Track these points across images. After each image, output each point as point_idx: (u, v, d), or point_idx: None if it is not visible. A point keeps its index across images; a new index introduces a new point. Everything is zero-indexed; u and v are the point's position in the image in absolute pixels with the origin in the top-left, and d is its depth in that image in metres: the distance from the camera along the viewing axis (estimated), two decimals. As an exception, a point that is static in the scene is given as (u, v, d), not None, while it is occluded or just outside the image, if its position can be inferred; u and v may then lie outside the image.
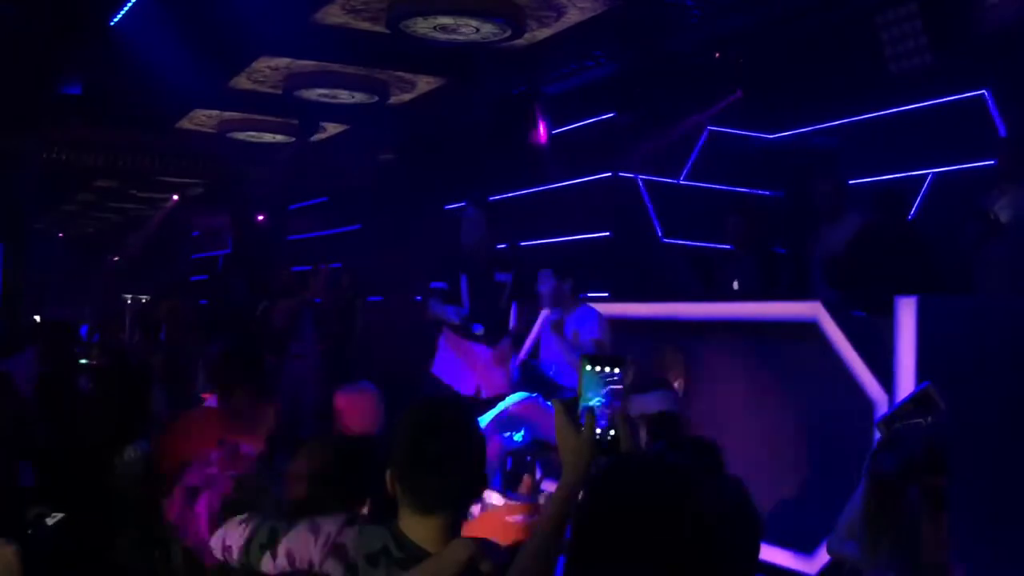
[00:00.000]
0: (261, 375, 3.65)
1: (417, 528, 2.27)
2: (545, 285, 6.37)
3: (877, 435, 2.73)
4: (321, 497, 2.79)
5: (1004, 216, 5.85)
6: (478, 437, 2.35)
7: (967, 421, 4.43)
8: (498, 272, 6.69)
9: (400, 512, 2.31)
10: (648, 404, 4.06)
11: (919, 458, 2.67)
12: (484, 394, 6.52)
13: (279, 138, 13.05)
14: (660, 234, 10.12)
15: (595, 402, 2.01)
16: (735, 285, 6.66)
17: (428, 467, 2.26)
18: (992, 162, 6.41)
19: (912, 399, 2.79)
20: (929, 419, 2.76)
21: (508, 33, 8.52)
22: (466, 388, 6.52)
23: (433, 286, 6.77)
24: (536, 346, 6.92)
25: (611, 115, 10.51)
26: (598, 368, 2.04)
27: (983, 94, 8.05)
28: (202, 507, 2.99)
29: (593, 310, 6.31)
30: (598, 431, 2.01)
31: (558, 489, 2.02)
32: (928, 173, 8.46)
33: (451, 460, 2.26)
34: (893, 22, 7.09)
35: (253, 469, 3.09)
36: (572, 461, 2.01)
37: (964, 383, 4.37)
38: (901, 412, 2.76)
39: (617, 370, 2.03)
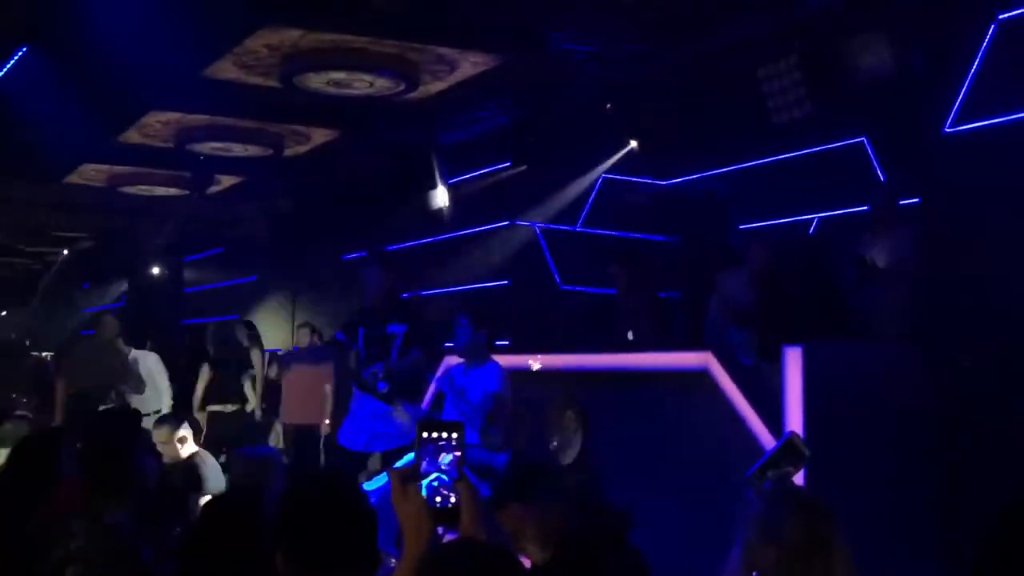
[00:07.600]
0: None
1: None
2: (461, 334, 6.10)
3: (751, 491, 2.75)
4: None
5: (880, 261, 6.02)
6: (364, 511, 2.32)
7: (855, 463, 4.56)
8: (391, 324, 6.62)
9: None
10: None
11: (822, 520, 2.65)
12: (378, 448, 6.52)
13: (171, 191, 12.82)
14: (559, 281, 10.20)
15: (433, 471, 2.02)
16: (629, 335, 6.75)
17: (311, 550, 2.22)
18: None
19: (778, 450, 2.84)
20: (794, 468, 2.80)
21: (402, 87, 8.55)
22: (362, 445, 6.51)
23: (337, 337, 6.82)
24: (439, 398, 6.83)
25: (507, 164, 10.62)
26: (435, 434, 2.04)
27: (862, 141, 8.35)
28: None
29: (496, 364, 6.24)
30: (438, 499, 2.02)
31: (402, 562, 1.99)
32: (814, 217, 8.72)
33: (334, 540, 2.24)
34: (775, 75, 7.31)
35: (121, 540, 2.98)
36: (412, 529, 2.00)
37: (849, 427, 4.50)
38: (769, 464, 2.81)
39: (455, 435, 2.04)
